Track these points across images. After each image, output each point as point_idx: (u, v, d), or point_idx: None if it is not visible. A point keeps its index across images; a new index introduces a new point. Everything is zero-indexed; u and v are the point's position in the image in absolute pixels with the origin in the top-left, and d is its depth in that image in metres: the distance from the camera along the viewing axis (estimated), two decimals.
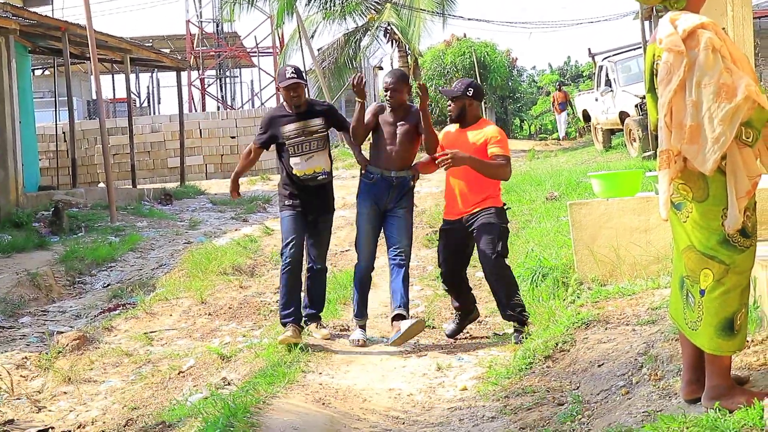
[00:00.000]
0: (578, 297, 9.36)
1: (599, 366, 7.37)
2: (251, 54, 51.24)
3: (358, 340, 9.73)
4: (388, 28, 32.48)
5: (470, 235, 9.67)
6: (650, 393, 6.42)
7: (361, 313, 10.01)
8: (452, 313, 10.52)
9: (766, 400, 5.35)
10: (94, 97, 30.77)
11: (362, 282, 10.05)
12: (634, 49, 27.15)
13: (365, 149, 10.26)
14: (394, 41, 33.60)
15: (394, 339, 9.34)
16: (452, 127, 10.00)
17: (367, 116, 9.82)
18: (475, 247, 9.79)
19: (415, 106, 10.26)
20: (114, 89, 49.04)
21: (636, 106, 23.75)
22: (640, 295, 8.79)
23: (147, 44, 27.88)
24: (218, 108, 49.63)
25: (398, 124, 9.75)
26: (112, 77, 47.58)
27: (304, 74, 10.27)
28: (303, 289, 10.23)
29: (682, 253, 5.65)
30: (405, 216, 9.98)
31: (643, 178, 10.53)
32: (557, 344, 8.19)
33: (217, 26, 47.04)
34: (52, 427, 8.16)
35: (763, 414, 5.21)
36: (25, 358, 10.47)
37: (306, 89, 10.51)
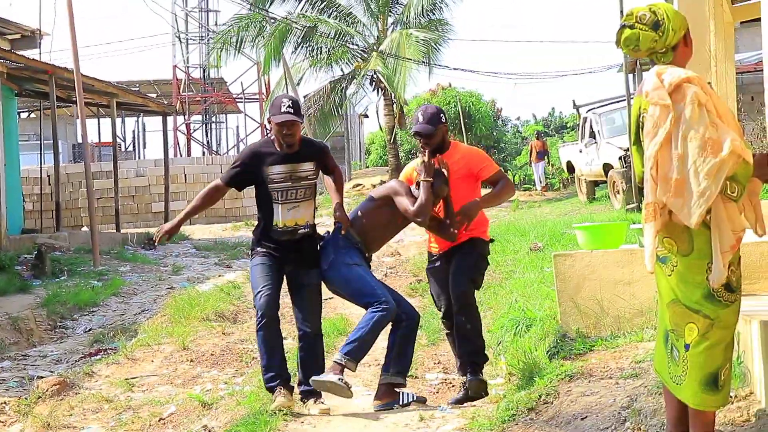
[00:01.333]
0: (562, 349, 9.37)
1: (583, 419, 7.37)
2: (237, 100, 51.42)
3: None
4: (374, 76, 32.67)
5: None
6: None
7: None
8: (451, 378, 9.85)
9: None
10: (80, 140, 30.76)
11: None
12: (618, 102, 27.31)
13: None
14: (380, 89, 33.78)
15: (315, 379, 8.18)
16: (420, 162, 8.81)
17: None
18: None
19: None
20: (99, 133, 49.17)
21: (620, 158, 23.92)
22: (623, 348, 8.81)
23: (134, 89, 28.03)
24: (203, 153, 49.89)
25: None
26: (98, 121, 47.67)
27: (301, 108, 8.62)
28: (297, 360, 8.78)
29: (667, 306, 5.67)
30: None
31: (627, 230, 10.59)
32: (540, 396, 8.19)
33: (204, 72, 47.26)
34: None
35: None
36: (4, 403, 10.44)
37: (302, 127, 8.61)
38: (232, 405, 9.57)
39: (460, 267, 8.84)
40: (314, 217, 8.62)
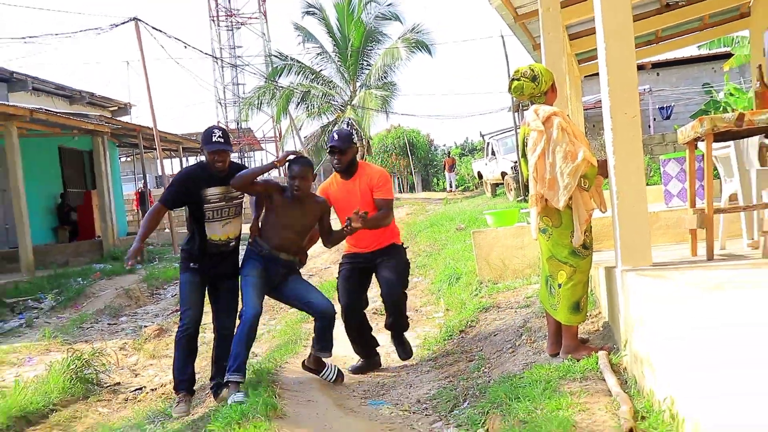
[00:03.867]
0: (479, 291, 9.42)
1: (495, 335, 7.40)
2: (260, 142, 51.06)
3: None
4: (350, 121, 32.49)
5: (371, 270, 7.30)
6: (527, 351, 6.46)
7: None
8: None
9: (600, 352, 5.44)
10: (160, 173, 30.58)
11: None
12: (509, 131, 27.27)
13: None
14: (353, 129, 33.70)
15: (308, 368, 6.86)
16: (334, 180, 7.23)
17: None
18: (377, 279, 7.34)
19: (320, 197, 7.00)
20: (172, 168, 49.02)
21: (511, 167, 23.85)
22: (519, 289, 8.87)
23: (192, 138, 27.77)
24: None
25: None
26: (171, 160, 47.54)
27: (230, 138, 6.62)
28: (212, 355, 6.87)
29: (547, 261, 5.73)
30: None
31: (518, 214, 10.62)
32: (467, 322, 8.23)
33: (237, 124, 46.89)
34: (144, 386, 8.14)
35: (598, 360, 5.31)
36: (125, 343, 10.47)
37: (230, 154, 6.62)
38: (269, 338, 9.64)
39: (392, 278, 7.12)
40: (240, 231, 6.74)
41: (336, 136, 7.04)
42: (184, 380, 6.17)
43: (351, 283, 7.16)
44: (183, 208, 6.59)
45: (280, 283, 6.61)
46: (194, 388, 6.80)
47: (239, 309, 6.33)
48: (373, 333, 7.63)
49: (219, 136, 6.32)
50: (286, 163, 6.59)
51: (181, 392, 6.18)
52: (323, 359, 6.82)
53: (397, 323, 7.37)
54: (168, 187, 6.10)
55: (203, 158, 6.37)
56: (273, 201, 6.40)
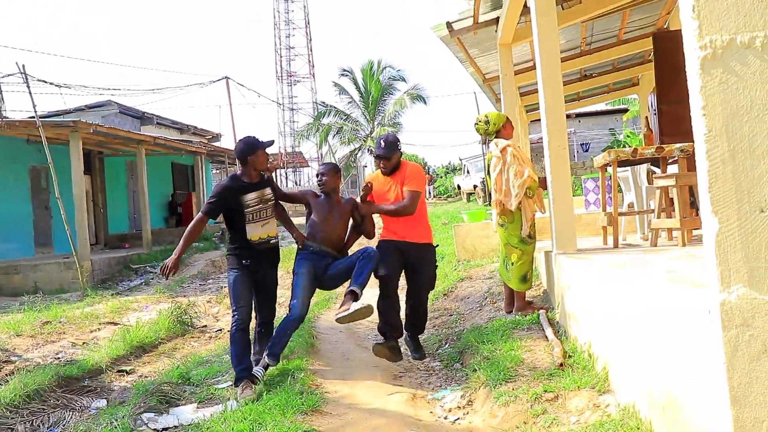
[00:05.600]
0: (457, 267, 9.36)
1: (468, 298, 7.36)
2: (307, 161, 51.00)
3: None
4: (369, 148, 32.42)
5: (405, 257, 5.37)
6: (490, 309, 6.42)
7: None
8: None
9: (540, 310, 5.40)
10: None
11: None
12: (478, 157, 27.20)
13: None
14: (372, 154, 33.62)
15: (342, 316, 4.86)
16: (378, 173, 5.57)
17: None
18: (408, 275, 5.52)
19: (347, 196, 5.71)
20: None
21: (480, 182, 23.77)
22: (485, 266, 8.80)
23: None
24: (293, 186, 49.48)
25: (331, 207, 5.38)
26: None
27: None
28: (255, 337, 5.22)
29: (504, 246, 5.68)
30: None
31: (485, 213, 10.57)
32: (449, 288, 8.17)
33: (293, 148, 46.76)
34: (222, 329, 8.10)
35: (539, 316, 5.26)
36: (210, 298, 10.43)
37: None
38: None
39: (425, 280, 5.47)
40: (277, 231, 5.24)
41: (382, 144, 5.42)
42: (243, 370, 4.75)
43: (389, 258, 5.26)
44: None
45: (323, 274, 5.18)
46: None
47: (289, 301, 5.07)
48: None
49: (263, 141, 5.10)
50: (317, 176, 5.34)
51: (243, 381, 4.72)
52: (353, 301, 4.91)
53: (416, 326, 5.60)
54: (209, 200, 4.94)
55: (237, 171, 5.10)
56: (311, 205, 5.38)
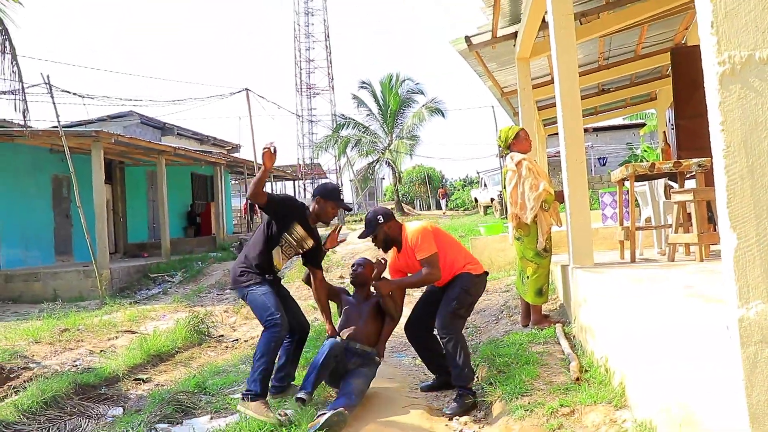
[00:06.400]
0: None
1: (484, 311, 7.32)
2: (326, 172, 51.23)
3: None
4: (387, 160, 32.45)
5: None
6: (507, 323, 6.39)
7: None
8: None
9: (557, 324, 5.37)
10: None
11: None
12: (496, 170, 27.18)
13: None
14: (389, 166, 33.57)
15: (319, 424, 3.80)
16: (394, 250, 4.81)
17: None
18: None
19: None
20: (269, 188, 49.07)
21: (498, 195, 23.77)
22: (501, 279, 8.76)
23: (279, 168, 27.93)
24: (312, 198, 49.63)
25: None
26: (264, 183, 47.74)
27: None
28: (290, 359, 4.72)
29: (520, 259, 5.67)
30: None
31: (502, 226, 10.54)
32: None
33: (311, 160, 46.95)
34: (239, 338, 8.13)
35: (555, 330, 5.22)
36: (228, 308, 10.48)
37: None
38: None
39: (445, 301, 4.53)
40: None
41: (364, 226, 4.87)
42: (284, 377, 4.58)
43: (419, 302, 4.90)
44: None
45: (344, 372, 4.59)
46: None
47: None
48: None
49: (343, 197, 4.76)
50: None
51: (286, 389, 4.55)
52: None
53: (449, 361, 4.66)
54: (279, 195, 4.64)
55: (315, 205, 4.73)
56: (341, 301, 4.99)
